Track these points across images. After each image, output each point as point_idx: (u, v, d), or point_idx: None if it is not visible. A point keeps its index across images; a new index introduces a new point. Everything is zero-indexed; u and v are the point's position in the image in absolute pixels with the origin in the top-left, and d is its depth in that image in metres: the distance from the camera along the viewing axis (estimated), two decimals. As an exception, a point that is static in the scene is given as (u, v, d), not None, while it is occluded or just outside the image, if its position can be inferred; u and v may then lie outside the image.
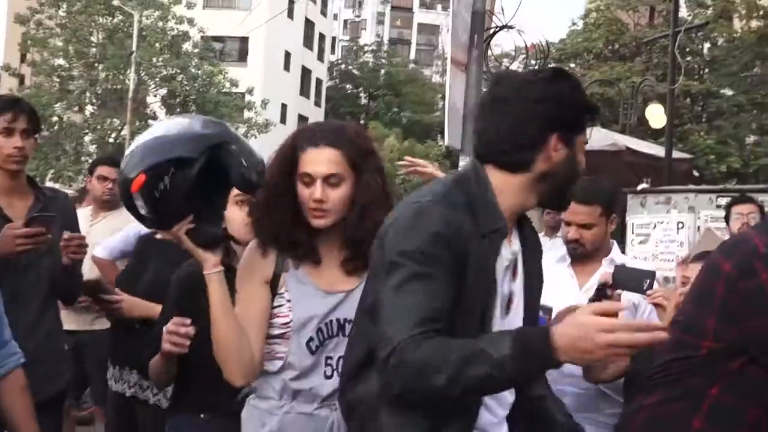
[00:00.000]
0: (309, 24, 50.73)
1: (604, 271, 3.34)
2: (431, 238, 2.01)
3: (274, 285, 2.55)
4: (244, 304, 2.55)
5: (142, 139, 2.46)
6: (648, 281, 3.06)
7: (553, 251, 3.81)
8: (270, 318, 2.54)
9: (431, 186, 2.23)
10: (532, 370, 1.91)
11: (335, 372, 2.51)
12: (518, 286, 2.27)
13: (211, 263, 2.48)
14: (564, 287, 3.47)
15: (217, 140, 2.42)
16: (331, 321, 2.53)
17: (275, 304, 2.55)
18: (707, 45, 29.52)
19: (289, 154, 2.56)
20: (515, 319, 2.25)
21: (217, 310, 2.47)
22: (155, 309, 3.55)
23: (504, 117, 2.17)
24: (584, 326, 1.83)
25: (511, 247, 2.23)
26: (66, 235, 3.43)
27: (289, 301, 2.54)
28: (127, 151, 2.48)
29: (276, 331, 2.54)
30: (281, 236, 2.54)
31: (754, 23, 19.95)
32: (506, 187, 2.17)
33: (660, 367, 2.36)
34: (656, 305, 3.14)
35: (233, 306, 2.52)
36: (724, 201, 6.83)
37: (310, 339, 2.52)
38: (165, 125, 2.52)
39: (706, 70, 28.93)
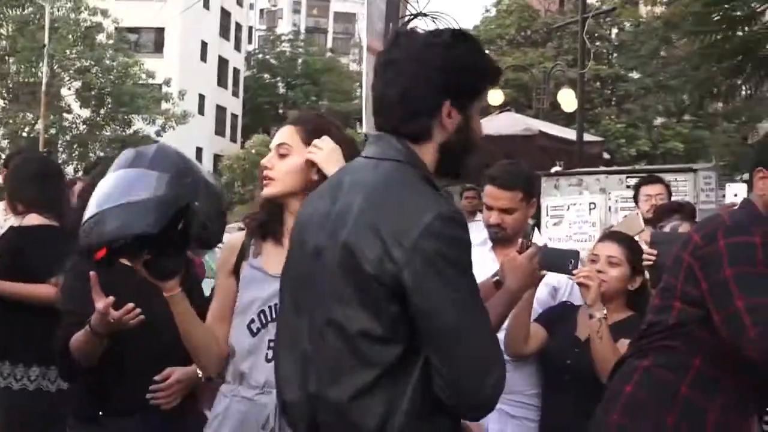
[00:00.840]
0: (225, 14, 50.09)
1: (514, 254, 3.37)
2: (468, 246, 2.00)
3: (237, 273, 2.63)
4: (215, 300, 2.68)
5: (106, 197, 2.37)
6: (573, 261, 3.12)
7: (475, 234, 3.85)
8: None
9: (411, 185, 2.02)
10: None
11: None
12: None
13: (167, 289, 2.50)
14: (485, 270, 3.52)
15: (183, 203, 2.39)
16: (275, 304, 2.53)
17: (238, 290, 2.62)
18: (615, 30, 30.13)
19: None
20: None
21: (181, 325, 2.54)
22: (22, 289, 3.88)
23: (397, 81, 2.05)
24: None
25: None
26: None
27: (241, 284, 2.61)
28: (92, 204, 2.39)
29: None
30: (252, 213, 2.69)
31: (658, 9, 20.43)
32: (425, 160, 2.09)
33: (644, 331, 2.69)
34: (581, 284, 3.19)
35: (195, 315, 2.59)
36: (633, 181, 6.97)
37: (251, 321, 2.55)
38: (133, 179, 2.40)
39: (615, 55, 29.56)
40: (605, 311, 3.14)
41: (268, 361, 2.53)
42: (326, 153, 2.56)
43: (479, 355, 1.93)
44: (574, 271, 3.13)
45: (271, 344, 2.52)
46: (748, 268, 2.47)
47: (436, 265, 1.90)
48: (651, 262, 3.54)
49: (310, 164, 2.58)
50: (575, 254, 3.17)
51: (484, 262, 3.59)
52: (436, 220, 1.91)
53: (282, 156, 2.61)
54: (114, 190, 2.38)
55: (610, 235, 3.60)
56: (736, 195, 7.26)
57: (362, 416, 1.97)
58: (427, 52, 2.05)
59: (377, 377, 1.96)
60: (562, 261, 3.10)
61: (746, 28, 8.70)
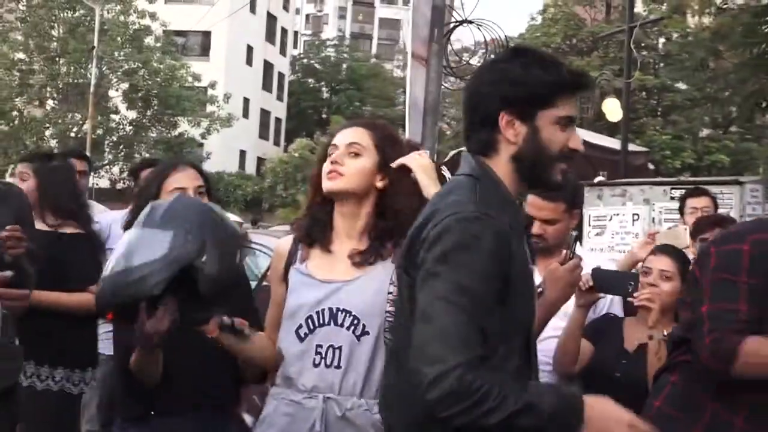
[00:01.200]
0: (271, 18, 50.39)
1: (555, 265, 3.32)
2: (486, 255, 1.97)
3: (287, 279, 2.65)
4: (270, 308, 2.75)
5: (117, 260, 2.41)
6: (633, 283, 3.14)
7: None
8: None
9: (459, 191, 2.12)
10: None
11: (323, 361, 2.54)
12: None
13: (207, 332, 2.52)
14: None
15: (186, 262, 2.38)
16: (322, 309, 2.56)
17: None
18: (662, 40, 29.80)
19: (326, 144, 2.69)
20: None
21: (237, 354, 2.64)
22: (61, 298, 3.87)
23: (463, 103, 2.22)
24: (614, 420, 1.96)
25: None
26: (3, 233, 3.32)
27: (291, 288, 2.62)
28: (107, 266, 2.45)
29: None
30: (305, 215, 2.69)
31: (706, 19, 20.16)
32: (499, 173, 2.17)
33: (672, 345, 2.77)
34: (642, 307, 3.20)
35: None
36: (678, 193, 6.87)
37: (299, 326, 2.56)
38: (142, 240, 2.43)
39: (661, 65, 29.24)
40: (665, 332, 3.14)
41: (315, 365, 2.55)
42: (425, 164, 2.62)
43: (432, 346, 1.91)
44: (635, 294, 3.15)
45: (319, 349, 2.55)
46: (727, 276, 2.51)
47: (433, 253, 1.99)
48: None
49: (379, 170, 2.61)
50: (635, 277, 3.20)
51: None
52: (451, 217, 2.00)
53: (353, 155, 2.60)
54: (124, 252, 2.43)
55: (662, 249, 3.57)
56: (784, 208, 7.14)
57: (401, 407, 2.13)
58: (482, 69, 2.23)
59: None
60: (622, 283, 3.12)
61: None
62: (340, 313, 2.55)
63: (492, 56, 2.30)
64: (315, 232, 2.65)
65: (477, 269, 1.96)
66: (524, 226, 2.19)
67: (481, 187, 2.11)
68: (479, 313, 1.94)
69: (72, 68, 31.31)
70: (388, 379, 2.24)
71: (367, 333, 2.59)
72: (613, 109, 16.03)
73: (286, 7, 54.25)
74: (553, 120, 2.13)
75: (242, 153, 45.30)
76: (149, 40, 32.63)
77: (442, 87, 12.27)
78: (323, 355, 2.54)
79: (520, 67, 2.12)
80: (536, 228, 3.48)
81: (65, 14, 31.83)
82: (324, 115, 51.20)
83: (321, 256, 2.63)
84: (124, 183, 30.14)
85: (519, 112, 2.11)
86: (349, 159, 2.60)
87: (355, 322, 2.57)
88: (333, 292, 2.57)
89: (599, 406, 1.97)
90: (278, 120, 51.99)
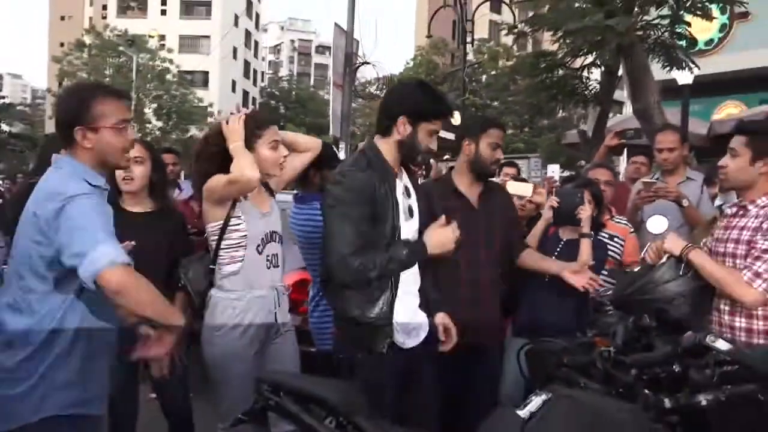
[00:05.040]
0: (246, 63, 48.95)
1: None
2: (352, 190, 2.08)
3: (233, 207, 2.43)
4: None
5: None
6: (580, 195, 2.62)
7: None
8: (230, 232, 2.42)
9: (348, 160, 2.28)
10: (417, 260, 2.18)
11: (271, 264, 2.47)
12: (413, 201, 2.27)
13: None
14: None
15: None
16: (267, 233, 2.47)
17: (234, 222, 2.42)
18: (485, 76, 30.08)
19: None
20: (415, 222, 2.27)
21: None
22: None
23: (380, 105, 2.30)
24: (444, 235, 2.17)
25: (402, 181, 2.24)
26: None
27: (245, 221, 2.43)
28: None
29: (235, 241, 2.43)
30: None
31: (509, 62, 20.54)
32: (385, 148, 2.19)
33: None
34: None
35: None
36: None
37: (258, 245, 2.44)
38: None
39: (483, 91, 29.53)
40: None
41: (268, 268, 2.45)
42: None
43: (331, 247, 2.09)
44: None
45: (268, 258, 2.46)
46: None
47: (331, 195, 2.13)
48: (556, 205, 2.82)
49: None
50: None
51: None
52: (340, 173, 2.15)
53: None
54: None
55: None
56: (554, 172, 7.35)
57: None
58: (394, 89, 2.30)
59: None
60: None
61: (559, 72, 8.71)
62: (272, 234, 2.49)
63: (390, 85, 2.29)
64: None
65: (346, 198, 2.08)
66: (389, 173, 2.17)
67: (365, 156, 2.18)
68: (353, 223, 2.08)
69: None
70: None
71: (282, 242, 2.56)
72: (455, 118, 16.15)
73: (255, 56, 52.71)
74: (428, 132, 2.18)
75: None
76: (169, 77, 31.19)
77: (353, 104, 11.98)
78: (271, 261, 2.47)
79: (417, 91, 2.18)
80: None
81: (113, 60, 30.11)
82: (282, 124, 50.08)
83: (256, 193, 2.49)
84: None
85: (410, 119, 2.16)
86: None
87: (279, 238, 2.53)
88: (269, 220, 2.50)
89: (431, 231, 2.16)
90: (253, 127, 50.54)
